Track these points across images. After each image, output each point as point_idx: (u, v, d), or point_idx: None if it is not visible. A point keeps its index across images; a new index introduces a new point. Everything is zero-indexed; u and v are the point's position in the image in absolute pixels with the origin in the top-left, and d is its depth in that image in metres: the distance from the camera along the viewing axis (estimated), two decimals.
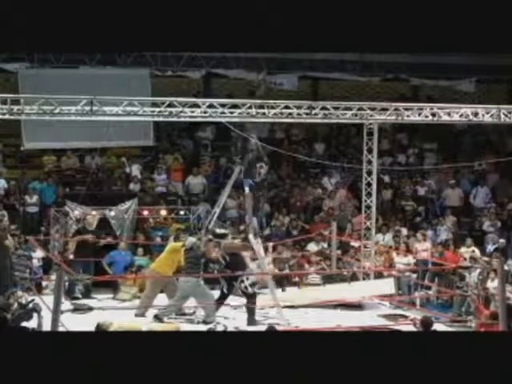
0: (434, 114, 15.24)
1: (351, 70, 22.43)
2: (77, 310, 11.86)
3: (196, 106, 14.26)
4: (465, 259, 16.59)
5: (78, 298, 14.89)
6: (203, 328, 12.37)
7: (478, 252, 17.18)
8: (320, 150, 22.54)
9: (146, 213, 18.39)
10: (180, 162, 21.41)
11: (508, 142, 23.33)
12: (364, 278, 16.27)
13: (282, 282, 15.88)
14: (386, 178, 21.35)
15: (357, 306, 14.79)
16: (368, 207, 16.42)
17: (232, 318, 13.54)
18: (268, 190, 20.69)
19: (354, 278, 16.24)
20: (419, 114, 15.28)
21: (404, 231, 18.70)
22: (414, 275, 16.76)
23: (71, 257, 15.90)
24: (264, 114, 14.55)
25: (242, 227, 16.80)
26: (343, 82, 23.47)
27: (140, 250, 16.77)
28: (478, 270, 15.37)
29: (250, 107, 14.43)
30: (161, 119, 15.18)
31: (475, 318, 13.46)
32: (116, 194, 19.39)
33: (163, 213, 18.50)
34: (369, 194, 16.37)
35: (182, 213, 18.60)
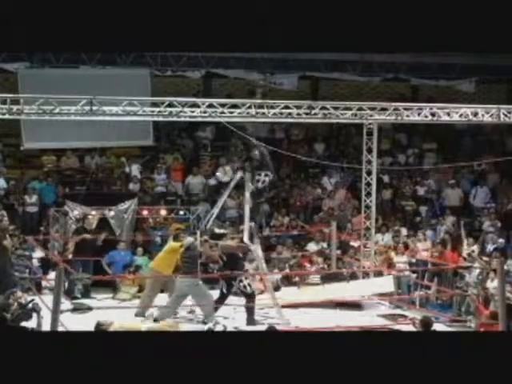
0: (433, 114, 15.24)
1: (351, 70, 22.43)
2: (76, 309, 11.85)
3: (196, 105, 14.26)
4: (464, 259, 16.60)
5: (77, 298, 14.90)
6: (203, 328, 12.39)
7: (476, 251, 17.18)
8: (320, 149, 22.55)
9: (145, 213, 18.38)
10: (180, 161, 21.42)
11: (508, 142, 23.34)
12: (364, 278, 16.27)
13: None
14: (386, 178, 21.35)
15: (356, 306, 14.80)
16: (367, 207, 16.42)
17: (232, 318, 13.54)
18: (268, 191, 20.68)
19: (353, 277, 16.24)
20: (419, 114, 15.28)
21: (404, 231, 18.71)
22: (414, 275, 16.77)
23: (70, 256, 15.90)
24: (264, 113, 14.56)
25: (241, 227, 16.79)
26: (343, 81, 23.48)
27: (140, 250, 16.78)
28: (478, 270, 15.36)
29: (250, 107, 14.43)
30: (160, 119, 15.18)
31: (475, 318, 13.46)
32: (116, 194, 19.37)
33: (163, 213, 18.50)
34: (368, 194, 16.37)
35: (181, 213, 18.59)
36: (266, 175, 14.02)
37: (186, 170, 21.19)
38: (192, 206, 18.94)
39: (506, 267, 14.10)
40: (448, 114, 15.26)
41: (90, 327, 9.54)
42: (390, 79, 23.32)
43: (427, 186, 21.29)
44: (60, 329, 9.88)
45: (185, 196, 20.44)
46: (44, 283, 15.66)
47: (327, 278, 15.74)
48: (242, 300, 13.51)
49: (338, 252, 17.07)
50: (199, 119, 15.19)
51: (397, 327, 12.28)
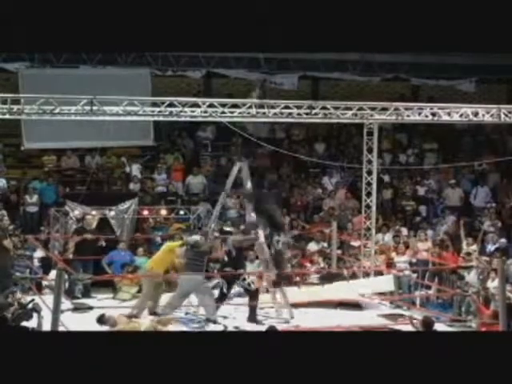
0: (434, 114, 15.25)
1: (351, 69, 22.45)
2: (77, 309, 11.85)
3: (196, 105, 14.28)
4: (463, 258, 16.60)
5: (77, 298, 14.91)
6: (201, 327, 12.43)
7: (475, 250, 17.19)
8: (320, 149, 22.56)
9: (146, 212, 18.38)
10: (180, 161, 21.43)
11: (508, 141, 23.34)
12: (364, 278, 16.27)
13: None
14: (386, 178, 21.35)
15: (357, 306, 14.80)
16: (368, 207, 16.43)
17: (232, 317, 13.55)
18: (268, 190, 20.71)
19: (353, 277, 16.24)
20: (419, 114, 15.30)
21: (404, 231, 18.71)
22: (414, 275, 16.78)
23: (71, 256, 15.91)
24: (264, 113, 14.56)
25: (242, 227, 16.79)
26: (343, 81, 23.50)
27: (140, 250, 16.77)
28: (477, 270, 15.36)
29: (250, 107, 14.44)
30: (161, 119, 15.22)
31: (476, 318, 13.47)
32: (116, 194, 19.38)
33: (163, 212, 18.50)
34: (369, 194, 16.39)
35: (182, 212, 18.60)
36: (279, 235, 14.01)
37: (186, 169, 21.20)
38: (192, 206, 18.95)
39: (506, 267, 14.11)
40: (448, 114, 15.28)
41: (91, 327, 9.56)
42: (391, 79, 23.34)
43: (427, 185, 21.29)
44: (60, 328, 9.88)
45: (185, 196, 20.45)
46: (44, 283, 15.66)
47: (326, 278, 15.74)
48: (245, 300, 13.54)
49: (339, 252, 17.08)
50: (200, 119, 15.21)
51: (397, 327, 12.28)
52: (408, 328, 11.42)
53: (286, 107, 14.68)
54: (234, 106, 14.42)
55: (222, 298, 13.62)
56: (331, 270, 16.31)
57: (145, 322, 11.29)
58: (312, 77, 23.22)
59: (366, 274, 16.28)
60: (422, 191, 21.25)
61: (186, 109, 14.16)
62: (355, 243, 17.55)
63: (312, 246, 17.97)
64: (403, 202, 20.81)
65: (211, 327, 12.72)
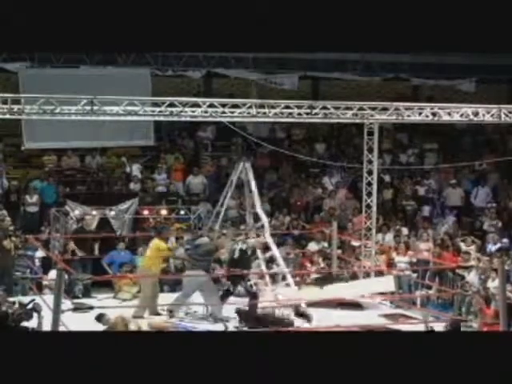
0: (434, 114, 15.24)
1: (352, 69, 22.46)
2: (77, 309, 11.84)
3: (196, 105, 14.26)
4: (461, 256, 16.63)
5: (78, 298, 14.90)
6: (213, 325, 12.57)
7: (475, 250, 17.20)
8: (320, 149, 22.56)
9: (146, 212, 18.39)
10: (180, 161, 21.43)
11: (508, 141, 23.34)
12: (364, 278, 16.26)
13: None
14: (387, 178, 21.36)
15: (357, 306, 14.79)
16: (368, 207, 16.42)
17: (232, 317, 13.54)
18: (268, 190, 20.73)
19: (354, 277, 16.24)
20: (420, 114, 15.28)
21: (405, 231, 18.71)
22: (415, 274, 16.78)
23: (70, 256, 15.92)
24: (264, 113, 14.55)
25: (242, 227, 16.81)
26: (344, 81, 23.51)
27: (141, 250, 16.76)
28: (477, 270, 15.37)
29: (251, 107, 14.43)
30: (161, 119, 15.19)
31: (478, 318, 13.46)
32: (116, 194, 19.40)
33: (164, 212, 18.50)
34: (369, 194, 16.38)
35: (182, 212, 18.61)
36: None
37: (186, 169, 21.20)
38: (193, 206, 18.96)
39: (507, 267, 14.13)
40: (449, 114, 15.26)
41: (91, 327, 9.56)
42: (391, 79, 23.35)
43: (428, 185, 21.29)
44: (61, 328, 9.87)
45: (185, 196, 20.45)
46: (45, 283, 15.67)
47: (322, 280, 15.70)
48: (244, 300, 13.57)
49: (339, 252, 17.07)
50: (200, 119, 15.20)
51: (397, 327, 12.27)
52: (408, 328, 11.44)
53: (287, 107, 14.66)
54: (235, 105, 14.41)
55: (226, 297, 13.66)
56: (331, 270, 16.29)
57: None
58: (312, 77, 23.23)
59: (367, 274, 16.27)
60: (422, 191, 21.26)
61: (186, 109, 14.14)
62: (355, 243, 17.55)
63: (312, 246, 17.97)
64: (404, 202, 20.82)
65: (219, 326, 12.74)
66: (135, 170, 20.54)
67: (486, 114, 15.10)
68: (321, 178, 21.58)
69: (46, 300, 11.69)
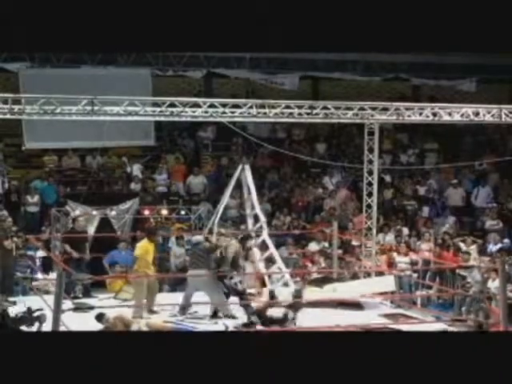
0: (434, 114, 15.23)
1: (352, 69, 22.46)
2: (78, 308, 11.84)
3: (197, 105, 14.26)
4: (460, 255, 16.63)
5: (78, 298, 14.90)
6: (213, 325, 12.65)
7: (474, 250, 17.20)
8: (321, 149, 22.57)
9: (147, 212, 18.39)
10: (181, 161, 21.45)
11: (509, 141, 23.34)
12: (365, 278, 16.26)
13: None
14: (387, 178, 21.36)
15: (357, 306, 14.78)
16: (369, 207, 16.42)
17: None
18: (269, 190, 20.74)
19: (354, 277, 16.23)
20: (420, 114, 15.27)
21: (405, 231, 18.71)
22: (415, 274, 16.77)
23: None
24: (265, 113, 14.55)
25: (242, 227, 16.81)
26: (344, 81, 23.52)
27: None
28: (478, 270, 15.36)
29: (251, 107, 14.42)
30: (162, 119, 15.19)
31: (487, 319, 13.44)
32: (117, 194, 19.41)
33: (164, 212, 18.51)
34: (370, 194, 16.37)
35: (182, 212, 18.62)
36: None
37: (187, 169, 21.21)
38: (193, 206, 18.96)
39: (507, 267, 14.11)
40: (449, 114, 15.25)
41: (91, 327, 9.56)
42: (391, 79, 23.36)
43: (428, 185, 21.30)
44: (61, 328, 9.87)
45: (186, 196, 20.45)
46: (45, 283, 15.66)
47: (318, 281, 15.68)
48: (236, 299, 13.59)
49: (340, 252, 17.07)
50: (200, 119, 15.19)
51: (398, 327, 12.27)
52: (408, 328, 11.43)
53: (287, 107, 14.66)
54: (235, 106, 14.41)
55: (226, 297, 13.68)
56: (331, 270, 16.29)
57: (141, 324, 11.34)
58: (312, 77, 23.24)
59: (367, 274, 16.26)
60: (422, 191, 21.26)
61: (186, 109, 14.14)
62: (356, 243, 17.55)
63: (313, 246, 17.97)
64: (404, 202, 20.81)
65: (219, 326, 12.74)
66: (136, 170, 20.54)
67: (486, 114, 15.08)
68: (321, 177, 21.58)
69: (46, 300, 11.69)
